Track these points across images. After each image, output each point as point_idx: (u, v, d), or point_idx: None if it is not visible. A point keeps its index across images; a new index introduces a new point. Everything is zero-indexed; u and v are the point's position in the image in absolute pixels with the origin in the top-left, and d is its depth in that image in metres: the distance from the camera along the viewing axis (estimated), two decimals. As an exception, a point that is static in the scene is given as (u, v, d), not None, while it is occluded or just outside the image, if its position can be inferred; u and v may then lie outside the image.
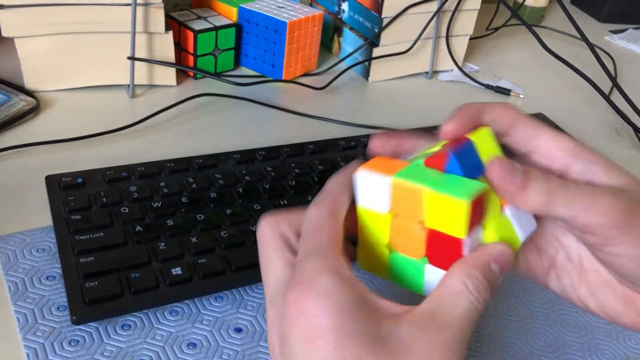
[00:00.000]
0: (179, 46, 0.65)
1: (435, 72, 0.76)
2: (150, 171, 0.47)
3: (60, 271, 0.40)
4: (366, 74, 0.72)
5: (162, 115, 0.58)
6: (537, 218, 0.30)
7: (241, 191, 0.47)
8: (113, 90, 0.62)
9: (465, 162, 0.27)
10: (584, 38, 0.64)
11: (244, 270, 0.40)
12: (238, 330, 0.38)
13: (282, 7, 0.67)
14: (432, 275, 0.28)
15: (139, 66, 0.61)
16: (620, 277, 0.29)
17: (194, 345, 0.37)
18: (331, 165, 0.52)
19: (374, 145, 0.31)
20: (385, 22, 0.68)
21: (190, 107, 0.61)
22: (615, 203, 0.26)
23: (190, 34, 0.63)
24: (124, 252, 0.40)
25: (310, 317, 0.23)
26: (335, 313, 0.23)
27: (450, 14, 0.72)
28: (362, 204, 0.29)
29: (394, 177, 0.27)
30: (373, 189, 0.28)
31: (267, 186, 0.48)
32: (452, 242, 0.26)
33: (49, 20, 0.56)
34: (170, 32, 0.61)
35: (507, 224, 0.28)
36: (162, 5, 0.59)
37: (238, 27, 0.67)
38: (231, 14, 0.68)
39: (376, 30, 0.69)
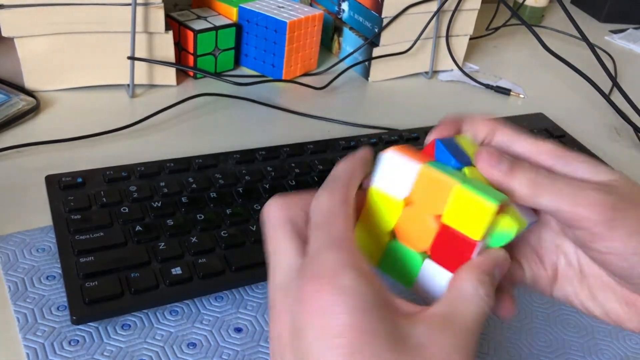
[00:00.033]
0: (179, 46, 0.65)
1: (435, 72, 0.76)
2: (150, 171, 0.47)
3: (60, 271, 0.40)
4: (366, 74, 0.72)
5: (162, 115, 0.58)
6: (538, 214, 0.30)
7: (241, 191, 0.47)
8: (113, 90, 0.62)
9: (452, 149, 0.28)
10: (584, 38, 0.64)
11: (244, 270, 0.40)
12: (238, 330, 0.38)
13: (282, 7, 0.67)
14: (428, 271, 0.28)
15: (139, 66, 0.61)
16: (615, 277, 0.29)
17: (194, 345, 0.37)
18: (331, 165, 0.52)
19: (440, 130, 0.31)
20: (385, 22, 0.68)
21: (190, 107, 0.61)
22: (599, 197, 0.26)
23: (190, 34, 0.63)
24: (124, 252, 0.40)
25: (330, 314, 0.23)
26: (356, 311, 0.22)
27: (450, 13, 0.72)
28: (378, 185, 0.28)
29: (424, 165, 0.27)
30: (397, 173, 0.28)
31: (267, 186, 0.48)
32: (465, 242, 0.26)
33: (49, 20, 0.56)
34: (170, 32, 0.61)
35: (515, 211, 0.28)
36: (162, 5, 0.59)
37: (238, 27, 0.67)
38: (231, 14, 0.68)
39: (376, 30, 0.69)
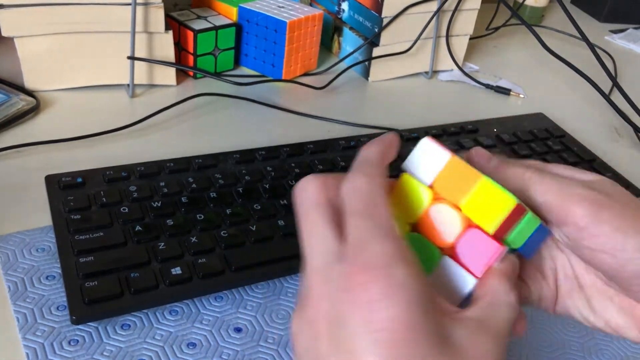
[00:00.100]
0: (179, 46, 0.65)
1: (435, 72, 0.76)
2: (150, 171, 0.47)
3: (59, 271, 0.40)
4: (366, 73, 0.72)
5: (162, 115, 0.58)
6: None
7: (241, 191, 0.47)
8: (113, 90, 0.62)
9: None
10: (584, 38, 0.64)
11: (243, 270, 0.40)
12: (238, 330, 0.38)
13: (282, 7, 0.67)
14: (446, 269, 0.28)
15: (139, 66, 0.61)
16: (610, 281, 0.29)
17: (194, 345, 0.37)
18: (331, 165, 0.52)
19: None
20: (385, 21, 0.68)
21: (190, 107, 0.61)
22: (586, 193, 0.28)
23: (190, 34, 0.63)
24: (123, 252, 0.40)
25: (379, 307, 0.22)
26: (407, 305, 0.22)
27: (450, 13, 0.72)
28: (409, 170, 0.29)
29: (454, 155, 0.28)
30: (428, 159, 0.28)
31: (267, 186, 0.48)
32: (489, 246, 0.27)
33: (49, 20, 0.56)
34: (170, 32, 0.61)
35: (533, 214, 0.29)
36: (162, 5, 0.59)
37: (238, 26, 0.67)
38: (231, 14, 0.68)
39: (376, 30, 0.69)
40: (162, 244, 0.41)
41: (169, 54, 0.62)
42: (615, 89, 0.69)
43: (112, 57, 0.60)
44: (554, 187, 0.28)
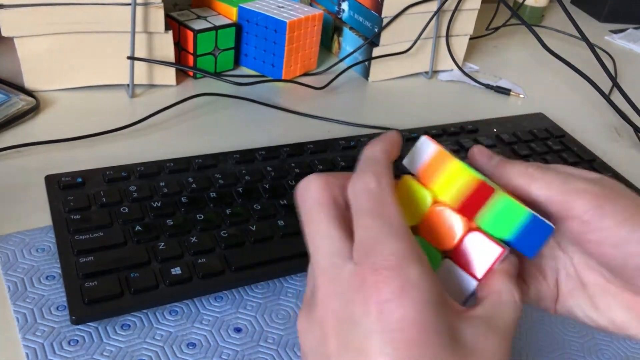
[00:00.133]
0: (179, 46, 0.65)
1: (435, 72, 0.76)
2: (150, 171, 0.47)
3: (59, 271, 0.40)
4: (366, 73, 0.72)
5: (161, 115, 0.58)
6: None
7: (241, 191, 0.47)
8: (113, 90, 0.62)
9: None
10: (584, 38, 0.64)
11: (243, 270, 0.40)
12: (237, 330, 0.38)
13: (282, 7, 0.67)
14: (447, 271, 0.28)
15: (139, 66, 0.61)
16: (613, 276, 0.29)
17: (194, 345, 0.37)
18: (331, 165, 0.52)
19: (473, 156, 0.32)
20: (385, 21, 0.68)
21: (190, 107, 0.61)
22: (588, 187, 0.28)
23: (190, 34, 0.63)
24: (123, 252, 0.40)
25: (392, 307, 0.22)
26: (420, 305, 0.22)
27: (450, 13, 0.72)
28: (407, 166, 0.29)
29: (441, 148, 0.29)
30: (419, 152, 0.29)
31: (267, 186, 0.48)
32: (491, 248, 0.27)
33: (49, 20, 0.56)
34: (170, 32, 0.61)
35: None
36: (162, 5, 0.59)
37: (238, 26, 0.67)
38: (231, 14, 0.68)
39: (376, 30, 0.69)
40: (162, 244, 0.41)
41: (169, 54, 0.62)
42: (615, 89, 0.69)
43: (112, 57, 0.60)
44: (556, 182, 0.28)
